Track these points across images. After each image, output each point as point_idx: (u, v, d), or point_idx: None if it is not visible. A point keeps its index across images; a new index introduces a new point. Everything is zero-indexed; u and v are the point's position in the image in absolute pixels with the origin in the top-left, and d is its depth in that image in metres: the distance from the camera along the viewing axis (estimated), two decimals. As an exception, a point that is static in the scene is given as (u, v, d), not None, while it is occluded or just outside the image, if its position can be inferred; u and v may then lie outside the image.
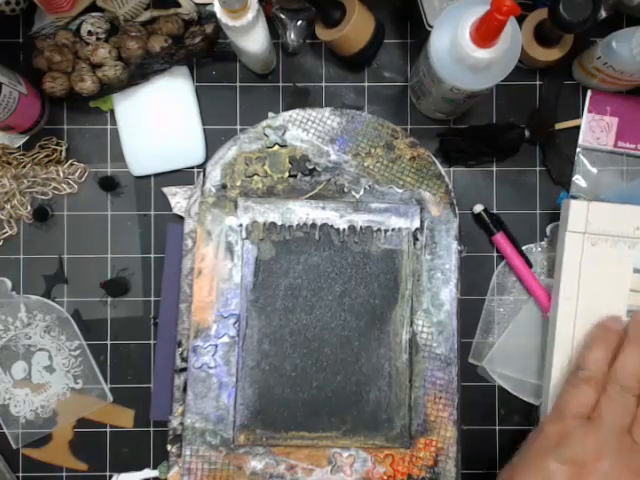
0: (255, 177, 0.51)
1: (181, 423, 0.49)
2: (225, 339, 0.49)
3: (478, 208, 0.56)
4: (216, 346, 0.49)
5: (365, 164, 0.51)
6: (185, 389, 0.49)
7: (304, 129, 0.51)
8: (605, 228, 0.52)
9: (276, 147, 0.51)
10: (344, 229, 0.50)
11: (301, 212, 0.50)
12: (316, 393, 0.49)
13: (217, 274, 0.49)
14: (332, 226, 0.50)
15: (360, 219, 0.50)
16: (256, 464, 0.48)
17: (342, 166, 0.51)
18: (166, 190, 0.55)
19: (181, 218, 0.54)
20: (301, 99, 0.57)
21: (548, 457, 0.46)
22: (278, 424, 0.49)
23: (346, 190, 0.50)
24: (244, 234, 0.50)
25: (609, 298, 0.52)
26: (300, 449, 0.48)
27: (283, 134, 0.51)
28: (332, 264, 0.50)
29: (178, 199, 0.53)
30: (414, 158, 0.51)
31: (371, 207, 0.50)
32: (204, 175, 0.51)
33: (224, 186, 0.51)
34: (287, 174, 0.51)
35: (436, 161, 0.51)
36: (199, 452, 0.48)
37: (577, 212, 0.52)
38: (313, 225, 0.50)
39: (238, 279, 0.49)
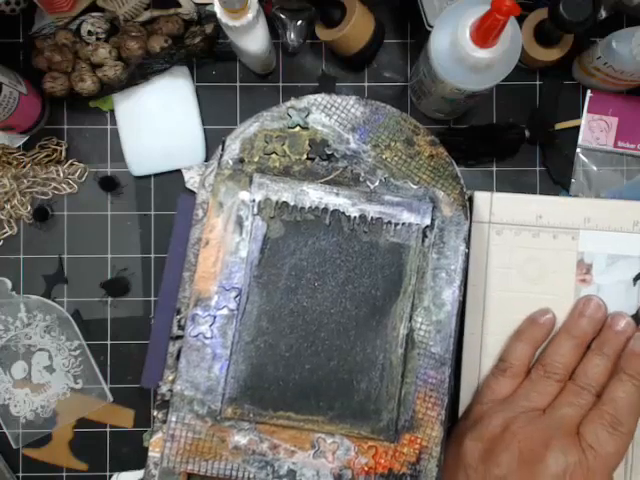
0: (273, 155, 0.50)
1: (170, 390, 0.48)
2: (224, 311, 0.49)
3: None
4: (215, 317, 0.49)
5: (383, 156, 0.50)
6: (179, 357, 0.49)
7: (327, 114, 0.51)
8: (508, 217, 0.53)
9: (297, 128, 0.51)
10: (355, 217, 0.50)
11: (314, 195, 0.50)
12: (308, 375, 0.49)
13: (224, 246, 0.49)
14: (343, 213, 0.50)
15: (372, 209, 0.50)
16: (240, 439, 0.48)
17: (360, 155, 0.51)
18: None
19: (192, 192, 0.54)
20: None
21: (465, 436, 0.50)
22: (267, 401, 0.48)
23: (361, 179, 0.50)
24: (255, 210, 0.50)
25: (516, 285, 0.53)
26: (285, 429, 0.48)
27: (306, 116, 0.51)
28: (339, 250, 0.50)
29: (192, 174, 0.53)
30: (432, 156, 0.50)
31: (384, 199, 0.50)
32: (223, 147, 0.51)
33: (241, 160, 0.50)
34: (305, 156, 0.51)
35: (453, 162, 0.51)
36: (185, 420, 0.48)
37: (482, 203, 0.54)
38: (325, 209, 0.50)
39: (244, 254, 0.49)
